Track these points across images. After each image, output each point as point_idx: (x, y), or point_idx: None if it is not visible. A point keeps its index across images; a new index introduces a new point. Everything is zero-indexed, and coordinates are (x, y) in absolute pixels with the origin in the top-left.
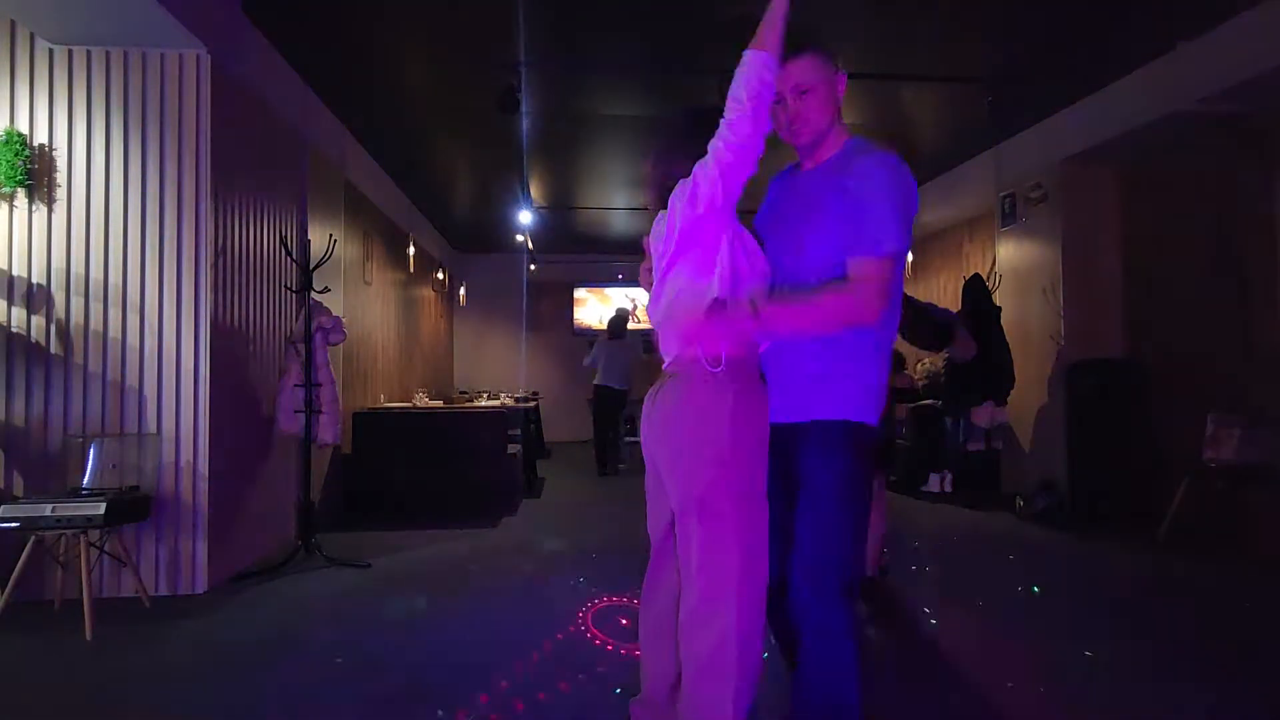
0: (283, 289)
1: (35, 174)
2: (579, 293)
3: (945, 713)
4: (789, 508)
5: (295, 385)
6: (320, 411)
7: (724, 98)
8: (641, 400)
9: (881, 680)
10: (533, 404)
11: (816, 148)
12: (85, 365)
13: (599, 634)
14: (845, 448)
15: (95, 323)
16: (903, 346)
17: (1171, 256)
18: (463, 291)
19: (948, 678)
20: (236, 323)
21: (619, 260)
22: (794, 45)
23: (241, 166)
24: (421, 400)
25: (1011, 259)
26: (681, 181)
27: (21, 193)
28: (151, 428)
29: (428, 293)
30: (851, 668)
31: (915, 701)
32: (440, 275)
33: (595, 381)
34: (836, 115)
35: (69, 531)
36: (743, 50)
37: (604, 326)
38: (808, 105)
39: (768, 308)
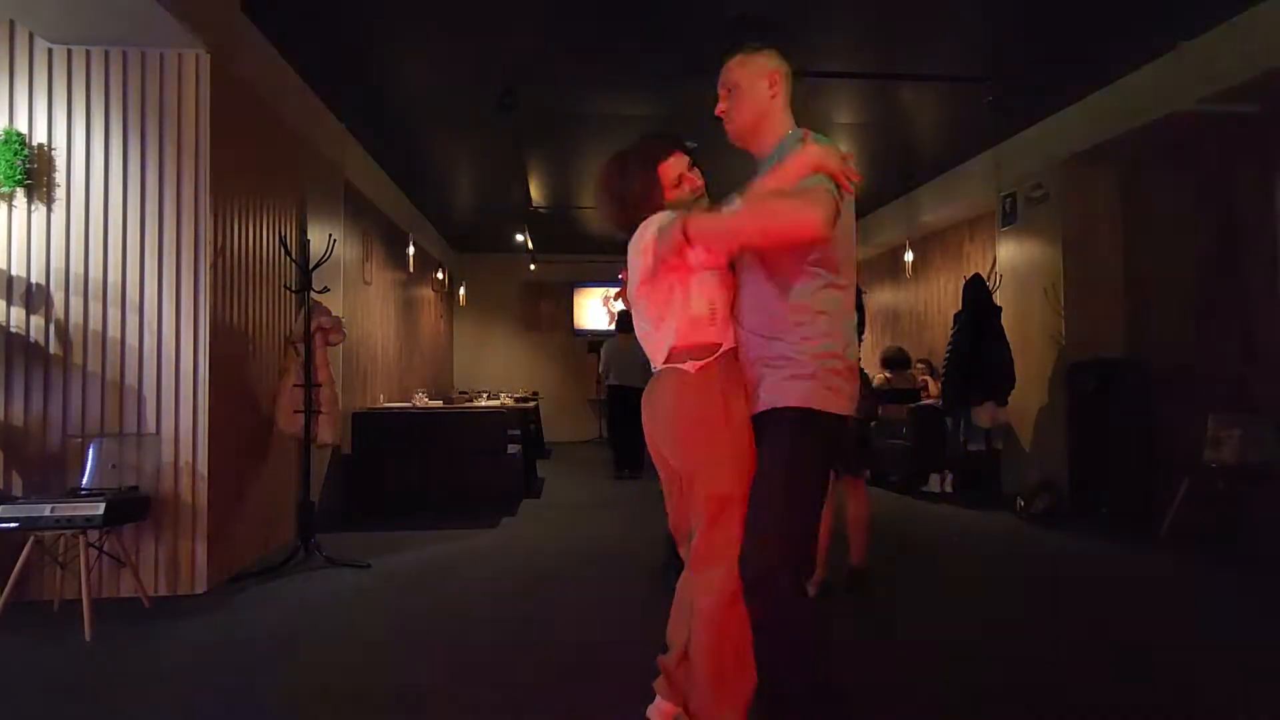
0: (282, 289)
1: (34, 173)
2: (579, 292)
3: (944, 711)
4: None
5: (295, 385)
6: (320, 411)
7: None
8: None
9: (875, 680)
10: (533, 404)
11: (757, 142)
12: (85, 365)
13: None
14: (791, 436)
15: (95, 323)
16: (904, 343)
17: (1171, 256)
18: (463, 291)
19: (945, 677)
20: (236, 323)
21: (619, 260)
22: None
23: (241, 166)
24: (421, 400)
25: (1012, 259)
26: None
27: (21, 192)
28: (151, 428)
29: (428, 293)
30: (803, 655)
31: (913, 700)
32: (440, 275)
33: (610, 382)
34: (766, 112)
35: (68, 531)
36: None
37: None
38: (731, 103)
39: (697, 223)
